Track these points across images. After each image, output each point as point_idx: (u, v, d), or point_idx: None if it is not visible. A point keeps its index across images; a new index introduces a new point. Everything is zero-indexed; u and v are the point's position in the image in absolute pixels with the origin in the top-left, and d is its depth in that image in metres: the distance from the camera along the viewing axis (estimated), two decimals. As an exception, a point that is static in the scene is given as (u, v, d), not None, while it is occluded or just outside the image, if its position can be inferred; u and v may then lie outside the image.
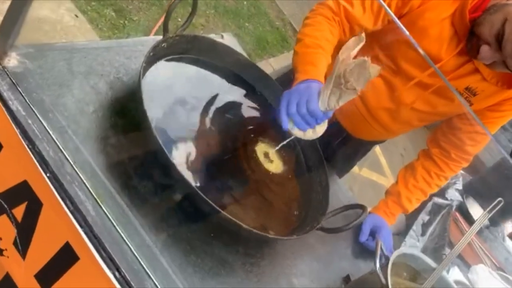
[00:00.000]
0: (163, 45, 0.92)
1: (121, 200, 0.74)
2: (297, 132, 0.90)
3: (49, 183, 0.68)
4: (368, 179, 3.55)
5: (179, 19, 2.67)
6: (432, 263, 1.03)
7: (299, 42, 1.01)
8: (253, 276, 0.85)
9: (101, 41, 0.98)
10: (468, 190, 2.25)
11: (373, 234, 1.21)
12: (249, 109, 1.11)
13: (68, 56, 0.85)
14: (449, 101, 1.14)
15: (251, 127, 1.07)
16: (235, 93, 1.09)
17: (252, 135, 1.04)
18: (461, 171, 1.35)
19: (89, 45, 0.91)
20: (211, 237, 0.83)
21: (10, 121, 0.70)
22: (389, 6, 1.03)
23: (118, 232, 0.69)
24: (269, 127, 1.10)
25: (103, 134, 0.80)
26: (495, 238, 2.21)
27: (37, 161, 0.69)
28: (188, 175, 0.82)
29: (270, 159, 1.03)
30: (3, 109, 0.70)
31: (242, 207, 0.91)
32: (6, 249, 0.79)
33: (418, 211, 1.87)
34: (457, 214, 2.07)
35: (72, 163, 0.71)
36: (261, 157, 1.01)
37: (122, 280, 0.66)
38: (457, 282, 1.63)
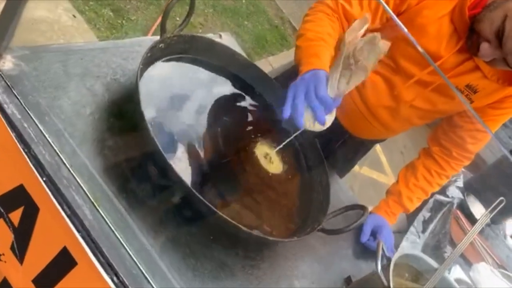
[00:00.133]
0: (160, 45, 0.91)
1: (118, 203, 0.73)
2: (305, 124, 0.86)
3: (46, 187, 0.68)
4: (368, 177, 3.55)
5: (177, 18, 2.66)
6: (434, 264, 1.03)
7: (300, 37, 1.00)
8: (253, 278, 0.84)
9: (98, 42, 0.96)
10: (469, 188, 2.24)
11: (374, 234, 1.20)
12: (248, 110, 1.10)
13: (64, 58, 0.84)
14: (450, 99, 1.13)
15: (251, 127, 1.06)
16: (233, 94, 1.08)
17: (251, 136, 1.03)
18: (462, 169, 1.34)
19: (85, 46, 0.90)
20: (210, 240, 0.82)
21: (6, 124, 0.69)
22: (387, 3, 1.02)
23: (116, 236, 0.68)
24: (268, 127, 1.10)
25: (100, 137, 0.79)
26: (496, 236, 2.20)
27: (33, 165, 0.68)
28: (187, 178, 0.81)
29: (270, 159, 1.02)
30: (-2, 112, 0.69)
31: (242, 208, 0.90)
32: (3, 254, 0.78)
33: (419, 208, 1.86)
34: (458, 212, 2.07)
35: (68, 166, 0.70)
36: (261, 158, 1.01)
37: (121, 285, 0.65)
38: (459, 281, 1.62)
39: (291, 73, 1.40)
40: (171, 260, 0.74)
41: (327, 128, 1.33)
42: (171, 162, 0.74)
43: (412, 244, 1.76)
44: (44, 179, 0.68)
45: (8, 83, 0.72)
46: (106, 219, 0.68)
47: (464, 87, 1.09)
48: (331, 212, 1.00)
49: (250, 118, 1.09)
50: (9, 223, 0.75)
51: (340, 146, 1.38)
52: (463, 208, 2.12)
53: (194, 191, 0.72)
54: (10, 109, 0.70)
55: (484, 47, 0.94)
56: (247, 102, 1.11)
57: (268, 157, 1.02)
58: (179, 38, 0.95)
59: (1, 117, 0.69)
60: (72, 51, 0.87)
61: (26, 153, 0.68)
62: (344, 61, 0.80)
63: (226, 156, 0.95)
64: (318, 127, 0.88)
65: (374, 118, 1.27)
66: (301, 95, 0.84)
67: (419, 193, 1.29)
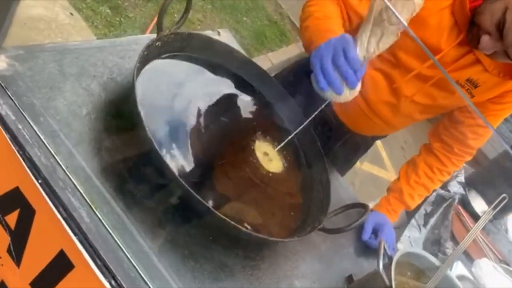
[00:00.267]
0: (157, 43, 0.89)
1: (116, 205, 0.72)
2: (331, 95, 0.81)
3: (41, 189, 0.66)
4: (369, 173, 3.54)
5: (176, 15, 2.65)
6: (436, 262, 1.02)
7: (307, 19, 0.97)
8: (254, 279, 0.83)
9: (94, 41, 0.95)
10: (470, 183, 2.24)
11: (375, 232, 1.19)
12: (247, 107, 1.09)
13: (59, 57, 0.83)
14: (450, 93, 1.12)
15: (250, 126, 1.04)
16: (232, 91, 1.07)
17: (250, 134, 1.02)
18: (464, 164, 1.34)
19: (81, 45, 0.89)
20: (209, 241, 0.81)
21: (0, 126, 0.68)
22: None
23: (114, 239, 0.67)
24: (268, 125, 1.08)
25: (96, 138, 0.78)
26: (498, 231, 2.20)
27: (28, 167, 0.67)
28: (185, 178, 0.80)
29: (269, 158, 1.01)
30: (-8, 114, 0.68)
31: (241, 208, 0.89)
32: (0, 257, 0.77)
33: (420, 202, 1.86)
34: (460, 207, 2.06)
35: (64, 168, 0.69)
36: (260, 156, 0.99)
37: (119, 288, 0.64)
38: (461, 277, 1.62)
39: (290, 71, 1.39)
40: (170, 262, 0.73)
41: (327, 125, 1.34)
42: (168, 163, 0.73)
43: (411, 238, 1.76)
44: (39, 181, 0.67)
45: (2, 84, 0.70)
46: (103, 222, 0.67)
47: (465, 81, 1.08)
48: (332, 210, 0.99)
49: (249, 116, 1.07)
50: (5, 226, 0.74)
51: (341, 144, 1.37)
52: (465, 203, 2.11)
53: (192, 191, 0.71)
54: (4, 110, 0.68)
55: (485, 39, 0.93)
56: (246, 100, 1.09)
57: (268, 156, 1.01)
58: (176, 36, 0.93)
59: (-5, 119, 0.68)
60: (68, 50, 0.86)
61: (21, 155, 0.67)
62: (375, 19, 0.75)
63: (225, 156, 0.94)
64: (344, 97, 0.83)
65: (374, 114, 1.25)
66: (328, 59, 0.80)
67: (421, 190, 1.28)
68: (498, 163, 2.23)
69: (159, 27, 0.89)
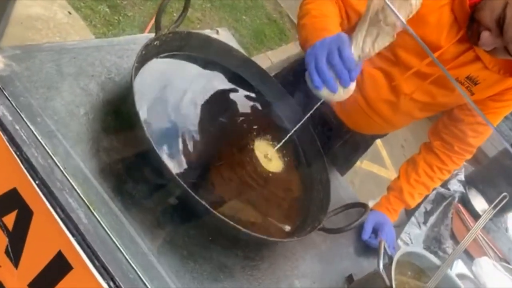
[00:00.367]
0: (155, 43, 0.89)
1: (114, 206, 0.71)
2: (325, 93, 0.81)
3: (39, 190, 0.66)
4: (369, 171, 3.53)
5: (174, 14, 2.64)
6: (437, 261, 1.01)
7: (304, 17, 0.97)
8: (253, 280, 0.83)
9: (91, 40, 0.95)
10: (470, 181, 2.23)
11: (375, 231, 1.19)
12: (246, 107, 1.08)
13: (56, 57, 0.82)
14: (450, 91, 1.11)
15: (249, 125, 1.04)
16: (231, 91, 1.07)
17: (250, 134, 1.01)
18: (464, 162, 1.34)
19: (79, 45, 0.88)
20: (209, 241, 0.80)
21: (-4, 127, 0.67)
22: None
23: (112, 240, 0.67)
24: (267, 124, 1.08)
25: (94, 138, 0.77)
26: (498, 229, 2.19)
27: (26, 168, 0.66)
28: (183, 178, 0.79)
29: (269, 157, 1.01)
30: (-11, 115, 0.68)
31: (241, 208, 0.88)
32: (-2, 258, 0.76)
33: (420, 201, 1.86)
34: (460, 205, 2.06)
35: (62, 169, 0.68)
36: (260, 156, 0.99)
37: (117, 290, 0.64)
38: (461, 276, 1.61)
39: (289, 70, 1.39)
40: (169, 262, 0.73)
41: (327, 124, 1.33)
42: (167, 163, 0.72)
43: (412, 235, 1.75)
44: (37, 182, 0.66)
45: (-1, 84, 0.70)
46: (102, 223, 0.67)
47: (465, 78, 1.07)
48: (332, 210, 0.98)
49: (248, 115, 1.07)
50: (3, 227, 0.73)
51: (341, 143, 1.37)
52: (465, 201, 2.11)
53: (190, 191, 0.71)
54: (1, 110, 0.68)
55: (485, 35, 0.93)
56: (245, 99, 1.09)
57: (267, 156, 1.00)
58: (174, 35, 0.93)
59: (-8, 120, 0.67)
60: (65, 50, 0.85)
61: (18, 156, 0.67)
62: (372, 18, 0.75)
63: (224, 155, 0.94)
64: (338, 97, 0.82)
65: (374, 113, 1.25)
66: (323, 57, 0.79)
67: (421, 188, 1.28)
68: (498, 161, 2.22)
69: (157, 26, 0.88)
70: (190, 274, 0.74)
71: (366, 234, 1.17)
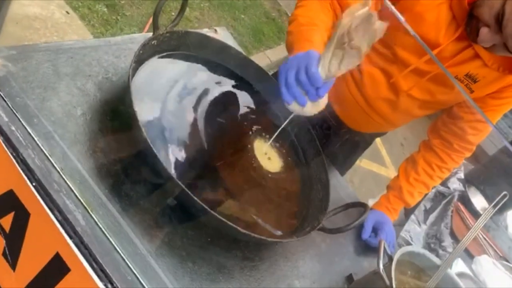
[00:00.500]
0: (153, 42, 0.88)
1: (112, 207, 0.71)
2: (295, 107, 0.83)
3: (35, 192, 0.65)
4: (368, 170, 3.53)
5: (173, 13, 2.63)
6: (437, 260, 1.01)
7: (292, 22, 0.98)
8: (253, 280, 0.83)
9: (88, 40, 0.94)
10: (470, 180, 2.23)
11: (375, 230, 1.19)
12: (245, 105, 1.07)
13: (53, 57, 0.81)
14: (449, 88, 1.11)
15: (248, 124, 1.03)
16: (230, 90, 1.06)
17: (249, 133, 1.00)
18: (463, 160, 1.33)
19: (76, 45, 0.88)
20: (207, 242, 0.80)
21: (-8, 128, 0.67)
22: None
23: (110, 241, 0.66)
24: (266, 123, 1.07)
25: (92, 138, 0.77)
26: (498, 227, 2.19)
27: (22, 169, 0.66)
28: (181, 178, 0.78)
29: (268, 156, 1.00)
30: (-15, 116, 0.67)
31: (240, 208, 0.88)
32: (-5, 260, 0.76)
33: (420, 200, 1.86)
34: (459, 204, 2.05)
35: (59, 170, 0.68)
36: (259, 155, 0.98)
37: (115, 291, 0.63)
38: (461, 274, 1.61)
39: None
40: (167, 264, 0.72)
41: (326, 123, 1.33)
42: (165, 163, 0.72)
43: (412, 233, 1.75)
44: (33, 184, 0.66)
45: (-5, 85, 0.69)
46: (99, 224, 0.66)
47: (464, 76, 1.07)
48: (331, 210, 0.98)
49: (247, 114, 1.06)
50: (0, 229, 0.73)
51: (340, 142, 1.36)
52: (464, 200, 2.10)
53: (189, 192, 0.70)
54: (-3, 112, 0.67)
55: (484, 32, 0.92)
56: (244, 98, 1.08)
57: (266, 155, 1.00)
58: (172, 34, 0.92)
59: (-12, 121, 0.67)
60: (62, 50, 0.85)
61: (14, 157, 0.66)
62: (338, 40, 0.76)
63: (223, 155, 0.93)
64: (308, 111, 0.85)
65: (373, 111, 1.24)
66: (292, 73, 0.82)
67: (420, 187, 1.27)
68: (498, 159, 2.22)
69: (155, 26, 0.88)
70: (189, 275, 0.74)
71: (366, 234, 1.16)
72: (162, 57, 0.94)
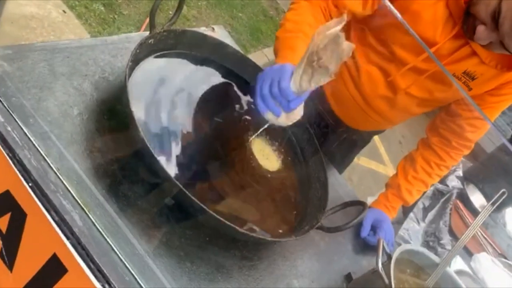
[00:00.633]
0: (150, 41, 0.88)
1: (109, 207, 0.70)
2: (270, 117, 0.85)
3: (32, 193, 0.65)
4: (367, 168, 3.53)
5: (170, 12, 2.62)
6: (436, 258, 1.01)
7: (280, 27, 0.98)
8: (251, 280, 0.82)
9: (85, 39, 0.93)
10: (468, 177, 2.23)
11: (374, 228, 1.18)
12: (243, 104, 1.07)
13: (49, 57, 0.81)
14: (447, 86, 1.11)
15: (246, 123, 1.03)
16: (227, 88, 1.06)
17: (246, 131, 1.00)
18: (462, 158, 1.33)
19: (72, 44, 0.87)
20: (206, 242, 0.80)
21: (-12, 129, 0.66)
22: None
23: (107, 241, 0.66)
24: (264, 122, 1.07)
25: (88, 138, 0.76)
26: (496, 224, 2.19)
27: (18, 170, 0.65)
28: (179, 178, 0.78)
29: (266, 155, 1.00)
30: (-20, 116, 0.66)
31: (238, 207, 0.88)
32: (-8, 261, 0.75)
33: (418, 197, 1.86)
34: (458, 201, 2.05)
35: (56, 170, 0.67)
36: (257, 154, 0.98)
37: (113, 292, 0.63)
38: (460, 272, 1.61)
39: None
40: (165, 264, 0.72)
41: (324, 122, 1.32)
42: (162, 163, 0.71)
43: (410, 232, 1.75)
44: (30, 184, 0.65)
45: (-10, 85, 0.69)
46: (97, 225, 0.66)
47: (462, 74, 1.07)
48: (330, 208, 0.98)
49: (245, 113, 1.06)
50: (-3, 230, 0.72)
51: (338, 140, 1.36)
52: (463, 197, 2.10)
53: (186, 191, 0.70)
54: (-7, 112, 0.67)
55: (480, 29, 0.92)
56: (242, 97, 1.08)
57: (265, 154, 1.00)
58: (169, 33, 0.91)
59: (-17, 121, 0.66)
60: (58, 49, 0.84)
61: (10, 158, 0.66)
62: (308, 58, 0.77)
63: (220, 154, 0.93)
64: (282, 122, 0.86)
65: (371, 109, 1.24)
66: (266, 85, 0.83)
67: (419, 185, 1.27)
68: (496, 157, 2.22)
69: (151, 25, 0.87)
70: (187, 275, 0.73)
71: (365, 232, 1.16)
72: (159, 56, 0.93)
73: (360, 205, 1.01)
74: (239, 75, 1.09)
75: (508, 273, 1.76)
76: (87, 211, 0.66)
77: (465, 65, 1.05)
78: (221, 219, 0.71)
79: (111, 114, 0.82)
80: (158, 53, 0.93)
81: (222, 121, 0.98)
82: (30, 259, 0.71)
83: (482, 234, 1.94)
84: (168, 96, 0.90)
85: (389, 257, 0.92)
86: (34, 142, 0.68)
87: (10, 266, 0.74)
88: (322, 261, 1.00)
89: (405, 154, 1.33)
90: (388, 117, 1.26)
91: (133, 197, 0.75)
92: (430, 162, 1.26)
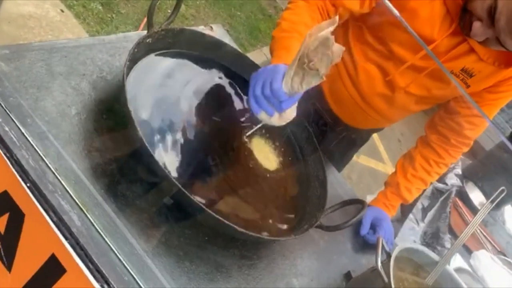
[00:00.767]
0: (147, 40, 0.87)
1: (108, 207, 0.70)
2: (263, 117, 0.86)
3: (30, 193, 0.65)
4: (366, 166, 3.53)
5: (169, 11, 2.61)
6: (435, 256, 1.01)
7: (277, 27, 0.99)
8: (251, 279, 0.82)
9: (82, 39, 0.93)
10: (467, 175, 2.23)
11: (373, 227, 1.18)
12: (241, 103, 1.07)
13: (46, 56, 0.81)
14: (445, 84, 1.11)
15: (244, 121, 1.03)
16: (226, 87, 1.05)
17: (245, 131, 1.00)
18: (461, 156, 1.33)
19: (69, 43, 0.87)
20: (205, 241, 0.79)
21: (-15, 129, 0.66)
22: None
23: (106, 241, 0.66)
24: (258, 122, 1.07)
25: (86, 138, 0.76)
26: (495, 222, 2.19)
27: (16, 170, 0.65)
28: (178, 177, 0.78)
29: (265, 154, 0.99)
30: (-23, 116, 0.66)
31: (237, 206, 0.87)
32: (-10, 262, 0.75)
33: (417, 196, 1.86)
34: (457, 199, 2.05)
35: (54, 170, 0.67)
36: (256, 153, 0.98)
37: (112, 292, 0.63)
38: (459, 269, 1.61)
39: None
40: (164, 264, 0.72)
41: (323, 120, 1.32)
42: (160, 162, 0.71)
43: (410, 233, 1.75)
44: (28, 184, 0.65)
45: (-13, 85, 0.68)
46: (95, 225, 0.66)
47: (460, 71, 1.07)
48: (329, 207, 0.97)
49: (243, 112, 1.06)
50: (-5, 230, 0.72)
51: (337, 138, 1.36)
52: (462, 195, 2.10)
53: (185, 191, 0.70)
54: (-10, 112, 0.66)
55: (476, 25, 0.92)
56: (241, 95, 1.07)
57: (264, 153, 0.99)
58: (167, 32, 0.91)
59: (-19, 122, 0.66)
60: (56, 49, 0.84)
61: (8, 158, 0.65)
62: (300, 60, 0.77)
63: (219, 153, 0.92)
64: (275, 122, 0.87)
65: (369, 107, 1.24)
66: (259, 86, 0.84)
67: (418, 183, 1.27)
68: (495, 154, 2.22)
69: (149, 24, 0.87)
70: (186, 274, 0.73)
71: (365, 230, 1.16)
72: (157, 55, 0.93)
73: (359, 203, 1.01)
74: (238, 73, 1.08)
75: (508, 271, 1.76)
76: (85, 211, 0.66)
77: (463, 62, 1.05)
78: (220, 218, 0.71)
79: (109, 114, 0.82)
80: (156, 52, 0.93)
81: (221, 120, 0.98)
82: (28, 260, 0.71)
83: (481, 232, 1.94)
84: (166, 95, 0.90)
85: (389, 255, 0.92)
86: (32, 142, 0.67)
87: (9, 266, 0.73)
88: (321, 260, 1.00)
89: (404, 152, 1.33)
90: (386, 115, 1.26)
91: (131, 196, 0.75)
92: (429, 160, 1.26)
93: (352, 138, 1.42)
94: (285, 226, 0.92)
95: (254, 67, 1.09)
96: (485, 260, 1.73)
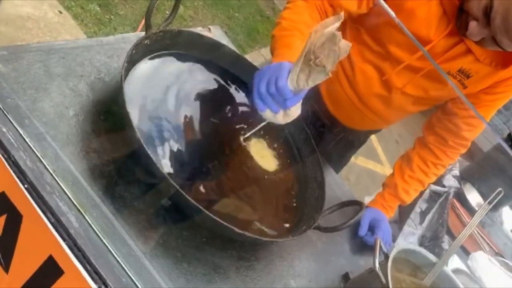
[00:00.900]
0: (146, 41, 0.87)
1: (105, 209, 0.70)
2: (268, 115, 0.86)
3: (28, 194, 0.65)
4: (364, 167, 3.53)
5: (167, 12, 2.61)
6: (432, 257, 1.01)
7: (276, 26, 0.99)
8: (249, 280, 0.82)
9: (80, 40, 0.93)
10: (465, 176, 2.23)
11: (371, 228, 1.18)
12: (239, 104, 1.07)
13: (44, 58, 0.81)
14: (442, 84, 1.11)
15: (242, 123, 1.03)
16: (224, 88, 1.05)
17: (243, 132, 1.00)
18: (458, 157, 1.34)
19: (67, 45, 0.87)
20: (203, 243, 0.79)
21: (-17, 130, 0.66)
22: None
23: (104, 243, 0.65)
24: (260, 122, 1.07)
25: (84, 139, 0.76)
26: (493, 223, 2.20)
27: (14, 171, 0.65)
28: (176, 179, 0.78)
29: (263, 156, 1.00)
30: (-25, 118, 0.66)
31: (235, 207, 0.87)
32: (-12, 263, 0.75)
33: (415, 199, 1.86)
34: (455, 201, 2.06)
35: (51, 172, 0.67)
36: (254, 154, 0.98)
37: (110, 293, 0.63)
38: (457, 271, 1.61)
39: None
40: (162, 265, 0.72)
41: (320, 121, 1.32)
42: (158, 163, 0.71)
43: (409, 234, 1.75)
44: (25, 186, 0.65)
45: (-15, 86, 0.68)
46: (93, 226, 0.65)
47: (457, 72, 1.07)
48: (327, 208, 0.98)
49: (241, 113, 1.06)
50: (-8, 231, 0.72)
51: (335, 140, 1.36)
52: (460, 197, 2.11)
53: (183, 192, 0.70)
54: (-12, 113, 0.66)
55: (472, 25, 0.93)
56: (238, 96, 1.08)
57: (261, 154, 0.99)
58: (165, 34, 0.91)
59: (-22, 123, 0.66)
60: (54, 50, 0.84)
61: (6, 159, 0.65)
62: (305, 56, 0.77)
63: (217, 155, 0.92)
64: (280, 120, 0.87)
65: (366, 108, 1.24)
66: (264, 84, 0.83)
67: (416, 184, 1.27)
68: (492, 156, 2.22)
69: (147, 25, 0.87)
70: (184, 276, 0.73)
71: (363, 231, 1.16)
72: (155, 56, 0.93)
73: (357, 205, 1.01)
74: (236, 75, 1.08)
75: (505, 272, 1.76)
76: (83, 213, 0.66)
77: (460, 63, 1.05)
78: (218, 219, 0.71)
79: (107, 115, 0.82)
80: (155, 54, 0.93)
81: (219, 122, 0.98)
82: (26, 261, 0.71)
83: (479, 233, 1.95)
84: (164, 97, 0.90)
85: (386, 256, 0.92)
86: (29, 143, 0.67)
87: (6, 268, 0.73)
88: (319, 261, 1.00)
89: (402, 153, 1.34)
90: (383, 116, 1.26)
91: (129, 198, 0.75)
92: (427, 161, 1.26)
93: (350, 139, 1.42)
94: (283, 227, 0.92)
95: (252, 68, 1.09)
96: (482, 261, 1.73)
